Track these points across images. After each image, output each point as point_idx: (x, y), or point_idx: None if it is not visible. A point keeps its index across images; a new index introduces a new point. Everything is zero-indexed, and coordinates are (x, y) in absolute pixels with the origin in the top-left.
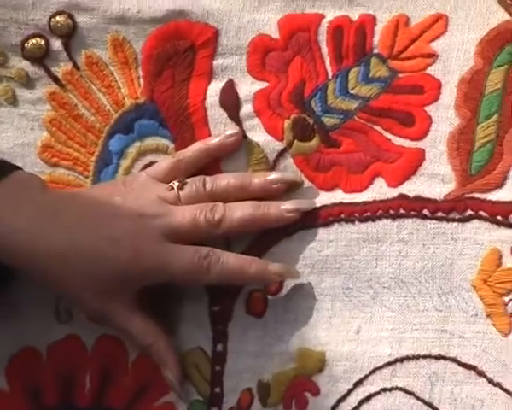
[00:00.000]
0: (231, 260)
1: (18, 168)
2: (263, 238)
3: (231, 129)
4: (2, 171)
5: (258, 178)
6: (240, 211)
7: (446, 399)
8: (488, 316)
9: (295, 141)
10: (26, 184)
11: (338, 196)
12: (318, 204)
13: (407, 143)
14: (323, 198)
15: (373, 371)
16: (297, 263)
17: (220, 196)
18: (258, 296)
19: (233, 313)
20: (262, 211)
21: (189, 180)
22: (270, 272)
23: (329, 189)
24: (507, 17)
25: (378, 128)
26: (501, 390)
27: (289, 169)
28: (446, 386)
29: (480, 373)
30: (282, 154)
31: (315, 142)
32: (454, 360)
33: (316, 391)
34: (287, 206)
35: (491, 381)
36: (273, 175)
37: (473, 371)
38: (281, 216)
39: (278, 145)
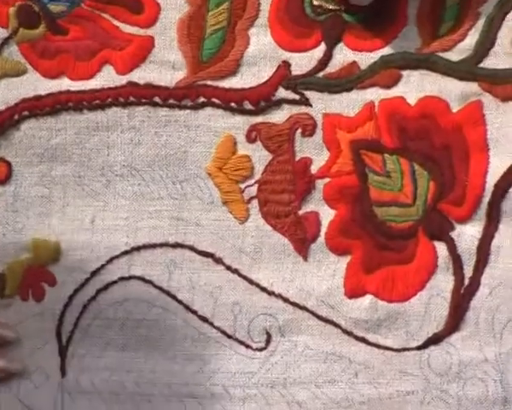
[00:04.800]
0: None
1: None
2: None
3: None
4: None
5: None
6: None
7: (185, 287)
8: (224, 203)
9: (21, 29)
10: None
11: (64, 83)
12: (44, 92)
13: (136, 30)
14: (49, 86)
15: (110, 261)
16: (26, 152)
17: None
18: None
19: None
20: None
21: None
22: None
23: (55, 76)
24: None
25: (106, 15)
26: (239, 277)
27: (14, 56)
28: (184, 274)
29: (218, 260)
30: (6, 41)
31: (41, 29)
32: (191, 247)
33: (52, 281)
34: None
35: (228, 268)
36: None
37: (210, 259)
38: None
39: (3, 33)
